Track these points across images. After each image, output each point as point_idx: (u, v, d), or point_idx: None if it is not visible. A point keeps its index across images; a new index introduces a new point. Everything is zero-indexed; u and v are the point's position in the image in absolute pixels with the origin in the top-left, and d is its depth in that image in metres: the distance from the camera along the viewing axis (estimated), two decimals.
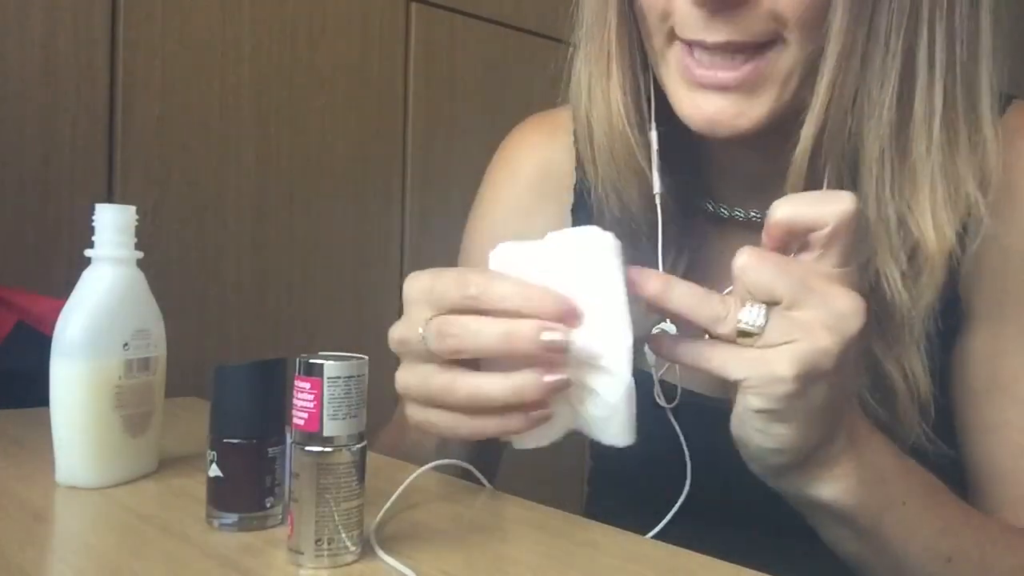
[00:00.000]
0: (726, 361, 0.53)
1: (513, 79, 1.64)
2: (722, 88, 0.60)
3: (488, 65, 1.63)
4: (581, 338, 0.53)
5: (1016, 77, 0.71)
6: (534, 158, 0.82)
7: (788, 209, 0.53)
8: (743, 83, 0.59)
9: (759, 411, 0.53)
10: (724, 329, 0.53)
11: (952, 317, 0.66)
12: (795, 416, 0.53)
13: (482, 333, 0.53)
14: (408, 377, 0.56)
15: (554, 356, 0.53)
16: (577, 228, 0.56)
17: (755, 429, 0.54)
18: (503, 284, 0.54)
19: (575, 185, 0.79)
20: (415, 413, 0.57)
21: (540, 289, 0.53)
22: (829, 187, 0.61)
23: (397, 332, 0.57)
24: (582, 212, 0.77)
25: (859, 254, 0.55)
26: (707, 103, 0.61)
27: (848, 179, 0.61)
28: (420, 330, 0.54)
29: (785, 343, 0.52)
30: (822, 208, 0.52)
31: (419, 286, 0.56)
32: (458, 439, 0.57)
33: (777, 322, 0.52)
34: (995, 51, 0.62)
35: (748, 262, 0.53)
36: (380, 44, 1.49)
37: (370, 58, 1.48)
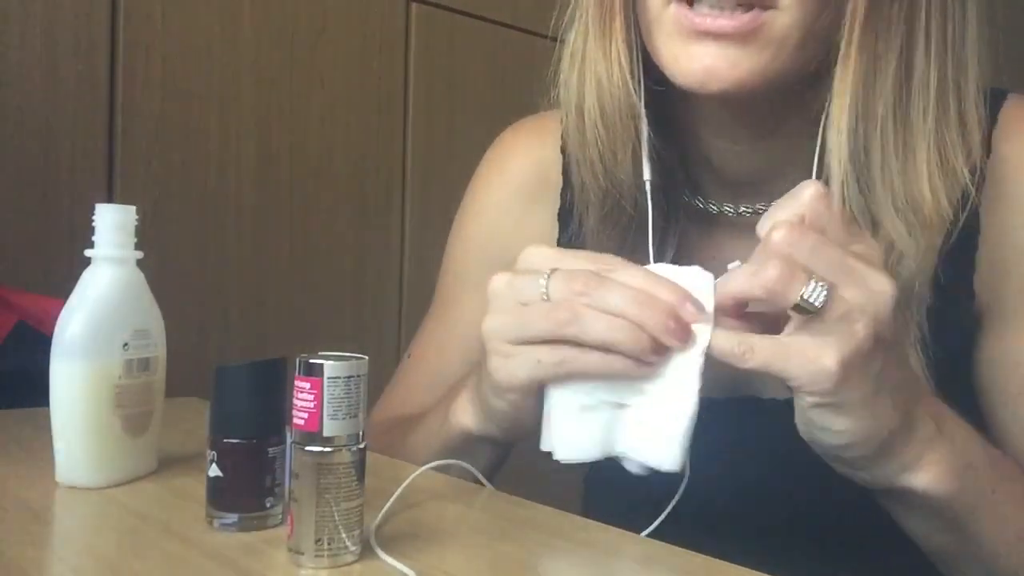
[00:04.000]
0: (771, 359, 0.52)
1: (513, 79, 1.63)
2: (720, 35, 0.60)
3: (488, 65, 1.63)
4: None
5: (1015, 77, 0.72)
6: (524, 161, 0.82)
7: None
8: (741, 30, 0.60)
9: (816, 407, 0.53)
10: (785, 300, 0.51)
11: (955, 318, 0.66)
12: (852, 405, 0.53)
13: (613, 291, 0.53)
14: (500, 318, 0.57)
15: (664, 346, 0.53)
16: (677, 267, 0.57)
17: (819, 428, 0.54)
18: (634, 269, 0.54)
19: (563, 190, 0.79)
20: (499, 354, 0.57)
21: (669, 281, 0.54)
22: (836, 149, 0.61)
23: (504, 277, 0.57)
24: (569, 217, 0.77)
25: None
26: (704, 53, 0.61)
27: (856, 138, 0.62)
28: (542, 279, 0.54)
29: (829, 335, 0.51)
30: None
31: (543, 255, 0.57)
32: (538, 382, 0.57)
33: (836, 305, 0.51)
34: (981, 40, 0.63)
35: (788, 237, 0.52)
36: (380, 44, 1.49)
37: (370, 58, 1.48)
